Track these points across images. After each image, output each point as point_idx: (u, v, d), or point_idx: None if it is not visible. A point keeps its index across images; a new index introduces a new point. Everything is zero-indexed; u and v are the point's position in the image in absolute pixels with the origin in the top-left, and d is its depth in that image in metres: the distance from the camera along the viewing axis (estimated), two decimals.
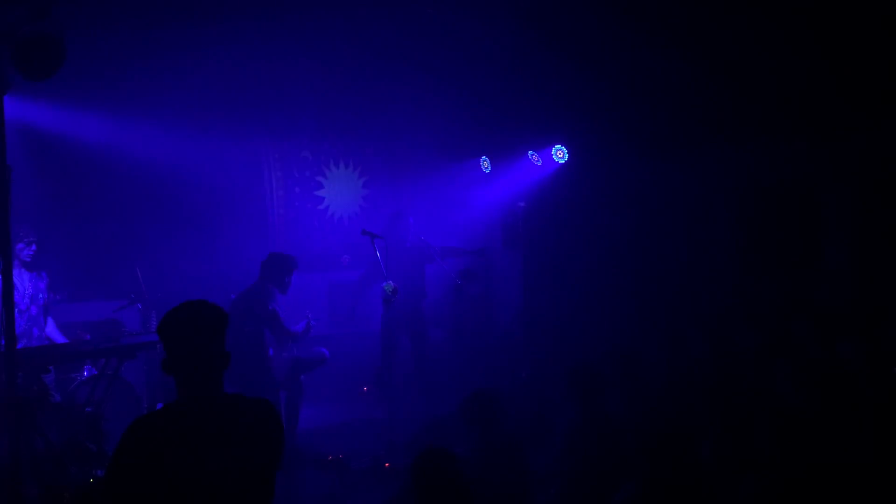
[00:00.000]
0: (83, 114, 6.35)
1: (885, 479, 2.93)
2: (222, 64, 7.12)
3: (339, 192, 8.02)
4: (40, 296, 5.10)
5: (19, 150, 5.19)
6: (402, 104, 8.22)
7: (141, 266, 6.13)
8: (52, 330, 5.24)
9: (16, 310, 4.74)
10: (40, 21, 3.83)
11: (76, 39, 4.18)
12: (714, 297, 6.10)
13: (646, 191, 6.81)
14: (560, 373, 4.38)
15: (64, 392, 5.23)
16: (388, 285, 5.72)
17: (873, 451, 3.14)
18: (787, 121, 5.45)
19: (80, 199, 6.55)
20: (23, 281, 4.95)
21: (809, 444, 3.00)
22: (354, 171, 8.11)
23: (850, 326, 4.84)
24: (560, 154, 7.07)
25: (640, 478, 3.03)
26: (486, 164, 7.68)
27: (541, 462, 4.42)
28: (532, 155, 7.25)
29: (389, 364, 6.45)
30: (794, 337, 5.00)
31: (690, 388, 4.63)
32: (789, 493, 2.90)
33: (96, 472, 4.38)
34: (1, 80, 3.84)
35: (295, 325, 5.72)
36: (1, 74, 3.84)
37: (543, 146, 7.16)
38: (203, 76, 7.05)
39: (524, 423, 5.23)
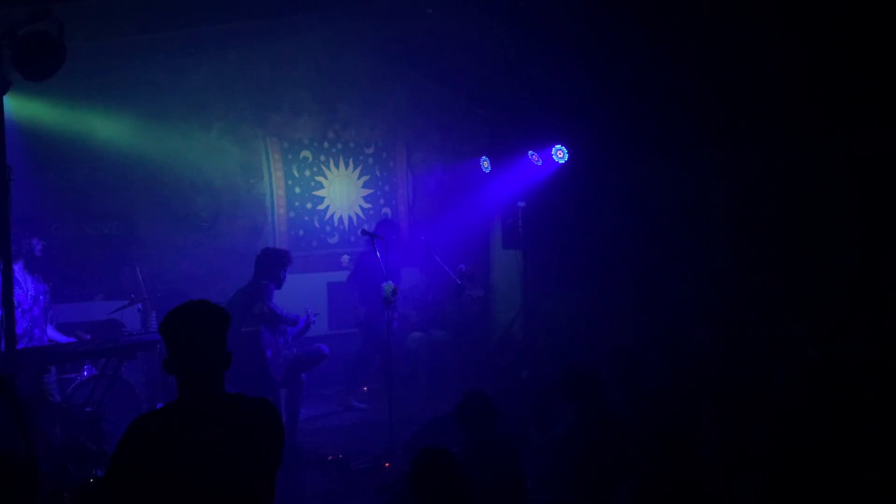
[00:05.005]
0: (83, 113, 6.35)
1: (883, 479, 2.93)
2: (222, 64, 7.14)
3: (339, 192, 8.02)
4: (41, 297, 5.10)
5: (19, 149, 5.19)
6: (401, 104, 8.23)
7: (141, 266, 6.13)
8: (52, 332, 5.24)
9: (19, 309, 4.78)
10: (40, 21, 3.83)
11: (77, 39, 4.19)
12: (713, 296, 6.10)
13: (645, 190, 6.81)
14: (560, 373, 4.37)
15: (64, 392, 5.23)
16: (388, 285, 5.71)
17: (872, 450, 3.14)
18: (786, 120, 5.44)
19: (80, 199, 6.55)
20: (26, 280, 4.95)
21: (809, 444, 3.01)
22: (354, 171, 8.11)
23: (850, 326, 4.84)
24: (560, 154, 7.07)
25: (641, 477, 3.03)
26: (486, 164, 7.68)
27: (541, 462, 4.42)
28: (532, 155, 7.25)
29: (372, 365, 6.44)
30: (793, 337, 5.00)
31: (690, 387, 4.63)
32: (788, 492, 2.91)
33: (96, 472, 4.37)
34: (1, 80, 3.84)
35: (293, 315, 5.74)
36: (1, 74, 3.84)
37: (543, 146, 7.16)
38: (203, 76, 7.06)
39: (524, 423, 5.24)
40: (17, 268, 4.81)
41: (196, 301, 2.33)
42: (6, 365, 3.68)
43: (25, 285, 4.91)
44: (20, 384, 3.96)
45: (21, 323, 4.85)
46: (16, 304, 4.71)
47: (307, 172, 7.81)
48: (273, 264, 5.56)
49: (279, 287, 5.59)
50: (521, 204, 7.47)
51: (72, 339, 5.24)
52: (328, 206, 7.95)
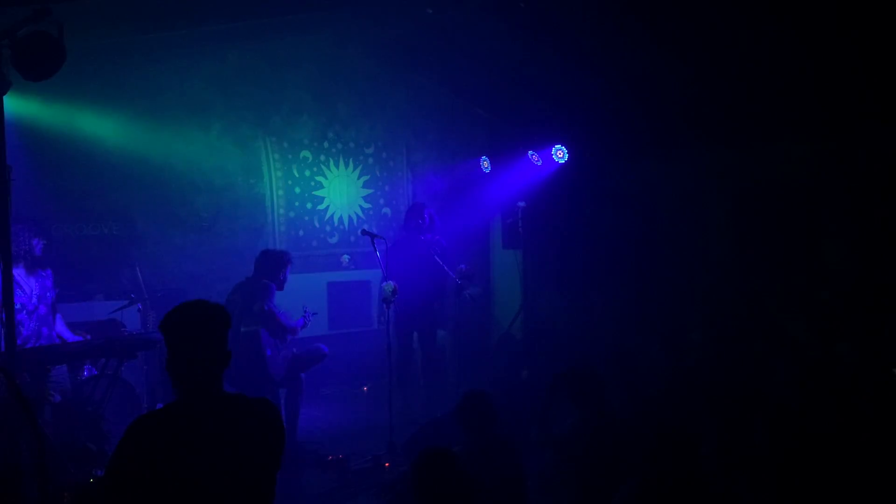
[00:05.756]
0: (83, 113, 6.35)
1: (883, 479, 2.93)
2: (222, 64, 7.13)
3: (339, 192, 8.02)
4: (48, 294, 5.11)
5: (19, 149, 5.19)
6: (401, 104, 8.23)
7: (141, 266, 6.13)
8: (61, 328, 5.25)
9: (24, 311, 4.80)
10: (40, 21, 3.83)
11: (76, 39, 4.19)
12: (714, 296, 6.10)
13: (645, 191, 6.81)
14: (560, 373, 4.38)
15: (64, 392, 5.23)
16: (388, 285, 5.72)
17: (872, 450, 3.14)
18: (786, 121, 5.45)
19: (80, 199, 6.54)
20: (28, 282, 4.96)
21: (808, 444, 3.01)
22: (354, 171, 8.11)
23: (849, 326, 4.84)
24: (560, 154, 7.08)
25: (640, 477, 3.03)
26: (486, 164, 7.68)
27: (541, 462, 4.42)
28: (532, 155, 7.25)
29: (407, 361, 6.44)
30: (793, 337, 5.01)
31: (690, 387, 4.63)
32: (788, 492, 2.91)
33: (96, 472, 4.38)
34: (1, 80, 3.84)
35: (293, 321, 5.73)
36: (1, 74, 3.84)
37: (543, 146, 7.17)
38: (203, 76, 7.06)
39: (524, 424, 5.24)
40: (20, 271, 4.82)
41: (195, 301, 2.33)
42: (6, 365, 3.67)
43: (28, 287, 4.92)
44: (21, 384, 3.95)
45: (28, 324, 4.87)
46: (20, 306, 4.73)
47: (307, 172, 7.81)
48: (273, 265, 5.55)
49: (280, 288, 5.59)
50: (521, 204, 7.47)
51: (79, 338, 5.25)
52: (328, 206, 7.95)
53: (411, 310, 6.31)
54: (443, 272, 6.37)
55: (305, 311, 5.87)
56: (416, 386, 6.77)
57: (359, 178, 8.14)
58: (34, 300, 4.96)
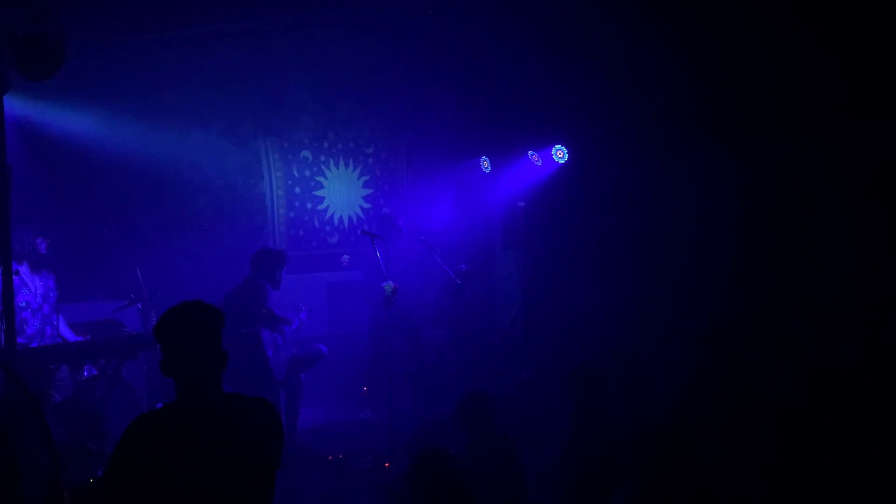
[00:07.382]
0: (84, 114, 6.35)
1: (884, 479, 2.93)
2: (222, 64, 7.13)
3: (339, 192, 8.02)
4: (51, 294, 5.12)
5: (20, 150, 5.19)
6: (402, 104, 8.22)
7: (141, 266, 6.13)
8: (64, 329, 5.27)
9: (28, 309, 4.84)
10: (40, 21, 3.83)
11: (76, 39, 4.19)
12: (714, 297, 6.09)
13: (646, 191, 6.80)
14: (560, 373, 4.38)
15: (65, 393, 5.23)
16: (389, 285, 5.72)
17: (873, 450, 3.14)
18: (786, 120, 5.45)
19: (80, 200, 6.54)
20: (33, 280, 4.97)
21: (810, 445, 3.01)
22: (354, 171, 8.11)
23: (850, 326, 4.84)
24: (560, 154, 7.08)
25: (640, 478, 3.03)
26: (486, 164, 7.68)
27: (541, 462, 4.42)
28: (532, 155, 7.25)
29: (379, 365, 6.44)
30: (794, 337, 5.01)
31: (691, 387, 4.63)
32: (790, 492, 2.91)
33: (96, 472, 4.38)
34: (1, 80, 3.85)
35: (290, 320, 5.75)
36: (1, 74, 3.84)
37: (543, 146, 7.16)
38: (203, 76, 7.05)
39: (524, 424, 5.24)
40: (24, 270, 4.84)
41: (189, 302, 2.33)
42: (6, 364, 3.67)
43: (33, 285, 4.95)
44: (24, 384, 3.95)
45: (33, 323, 4.90)
46: (25, 304, 4.77)
47: (307, 172, 7.81)
48: (270, 265, 5.55)
49: (276, 288, 5.59)
50: (521, 204, 7.47)
51: (80, 338, 5.26)
52: (328, 206, 7.95)
53: (387, 318, 6.27)
54: (423, 281, 6.42)
55: (301, 310, 5.85)
56: (408, 388, 6.76)
57: (359, 178, 8.14)
58: (38, 299, 4.98)
